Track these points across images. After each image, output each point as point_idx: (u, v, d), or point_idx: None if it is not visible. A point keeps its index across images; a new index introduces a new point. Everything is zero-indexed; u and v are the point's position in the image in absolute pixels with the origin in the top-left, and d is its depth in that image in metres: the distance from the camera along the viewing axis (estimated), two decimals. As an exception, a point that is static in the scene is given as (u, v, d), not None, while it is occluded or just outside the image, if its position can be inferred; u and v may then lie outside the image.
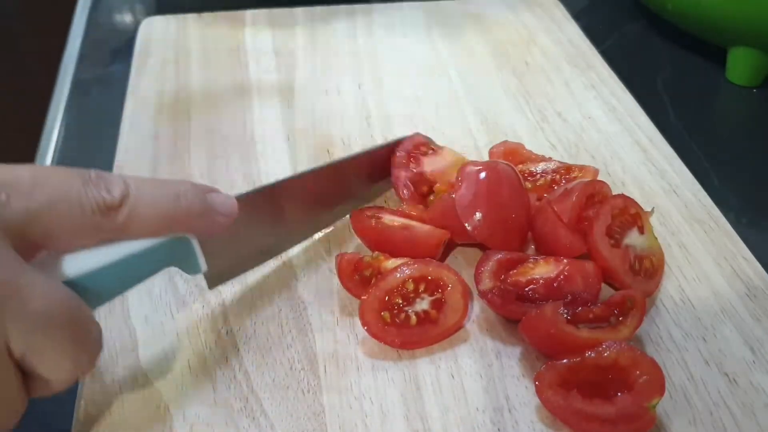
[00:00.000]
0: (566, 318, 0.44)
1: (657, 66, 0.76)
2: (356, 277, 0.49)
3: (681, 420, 0.42)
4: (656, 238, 0.51)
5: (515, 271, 0.48)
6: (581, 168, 0.57)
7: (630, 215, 0.50)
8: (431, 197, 0.55)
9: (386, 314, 0.46)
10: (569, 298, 0.46)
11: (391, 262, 0.49)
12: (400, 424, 0.42)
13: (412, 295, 0.47)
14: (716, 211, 0.56)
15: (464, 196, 0.50)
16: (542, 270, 0.48)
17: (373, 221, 0.52)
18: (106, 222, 0.37)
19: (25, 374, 0.35)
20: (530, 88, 0.70)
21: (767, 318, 0.48)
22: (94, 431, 0.42)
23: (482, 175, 0.51)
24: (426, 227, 0.51)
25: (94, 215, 0.36)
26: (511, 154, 0.59)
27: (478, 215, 0.50)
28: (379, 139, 0.63)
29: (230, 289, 0.50)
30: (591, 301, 0.47)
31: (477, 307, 0.49)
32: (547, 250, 0.51)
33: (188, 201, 0.40)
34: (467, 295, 0.47)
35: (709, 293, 0.50)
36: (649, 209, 0.51)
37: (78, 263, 0.37)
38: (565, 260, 0.48)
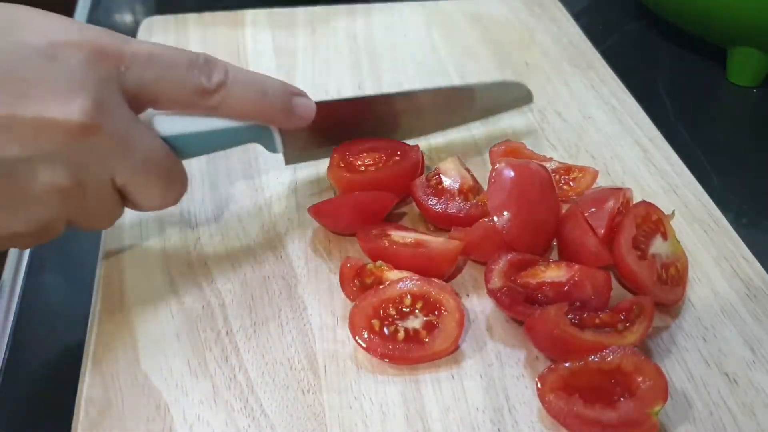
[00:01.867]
0: (573, 322, 0.44)
1: (657, 66, 0.76)
2: (357, 283, 0.48)
3: (681, 420, 0.42)
4: (679, 242, 0.50)
5: (526, 272, 0.48)
6: (581, 169, 0.57)
7: (653, 222, 0.49)
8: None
9: (376, 323, 0.45)
10: (578, 304, 0.46)
11: (394, 273, 0.49)
12: (400, 424, 0.42)
13: (407, 309, 0.46)
14: (716, 211, 0.56)
15: (496, 195, 0.49)
16: (552, 274, 0.47)
17: (385, 241, 0.50)
18: (201, 101, 0.45)
19: (122, 199, 0.45)
20: (530, 88, 0.70)
21: (767, 318, 0.48)
22: (94, 431, 0.42)
23: (515, 174, 0.50)
24: (439, 240, 0.50)
25: (192, 95, 0.44)
26: (512, 153, 0.59)
27: (507, 215, 0.49)
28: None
29: (230, 289, 0.50)
30: (600, 309, 0.46)
31: (478, 307, 0.49)
32: (571, 257, 0.49)
33: (273, 99, 0.47)
34: (462, 324, 0.46)
35: (709, 293, 0.50)
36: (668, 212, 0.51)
37: (175, 124, 0.46)
38: (576, 266, 0.47)
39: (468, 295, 0.49)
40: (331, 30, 0.78)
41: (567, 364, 0.42)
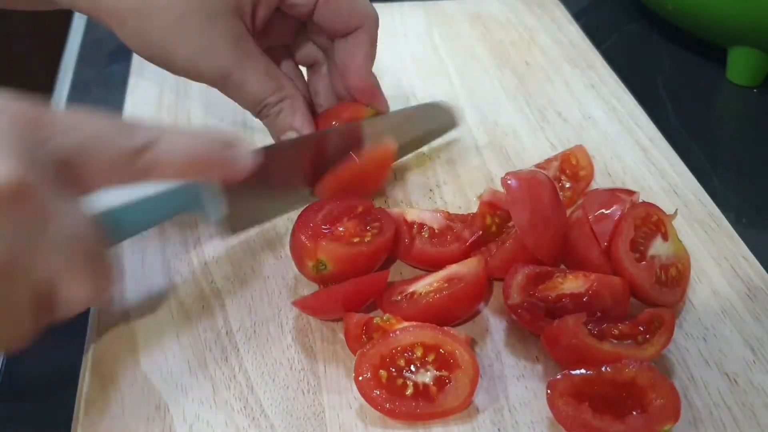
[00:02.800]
0: (592, 333, 0.43)
1: (657, 66, 0.76)
2: (364, 339, 0.45)
3: (681, 420, 0.42)
4: (680, 241, 0.50)
5: (544, 285, 0.47)
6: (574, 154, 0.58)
7: (653, 223, 0.49)
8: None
9: (384, 373, 0.43)
10: (599, 314, 0.45)
11: (404, 326, 0.45)
12: (400, 424, 0.42)
13: (417, 362, 0.43)
14: (716, 211, 0.56)
15: (521, 214, 0.47)
16: (570, 285, 0.47)
17: (420, 300, 0.47)
18: (130, 164, 0.41)
19: (40, 301, 0.37)
20: (530, 88, 0.70)
21: (767, 318, 0.48)
22: (94, 431, 0.42)
23: (529, 188, 0.48)
24: (461, 266, 0.48)
25: (119, 157, 0.40)
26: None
27: (535, 231, 0.47)
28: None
29: (230, 289, 0.50)
30: (620, 318, 0.45)
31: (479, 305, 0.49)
32: (576, 264, 0.49)
33: (208, 151, 0.44)
34: (476, 381, 0.43)
35: (709, 293, 0.50)
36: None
37: (102, 201, 0.42)
38: (592, 275, 0.47)
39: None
40: (331, 30, 0.78)
41: (580, 372, 0.41)
